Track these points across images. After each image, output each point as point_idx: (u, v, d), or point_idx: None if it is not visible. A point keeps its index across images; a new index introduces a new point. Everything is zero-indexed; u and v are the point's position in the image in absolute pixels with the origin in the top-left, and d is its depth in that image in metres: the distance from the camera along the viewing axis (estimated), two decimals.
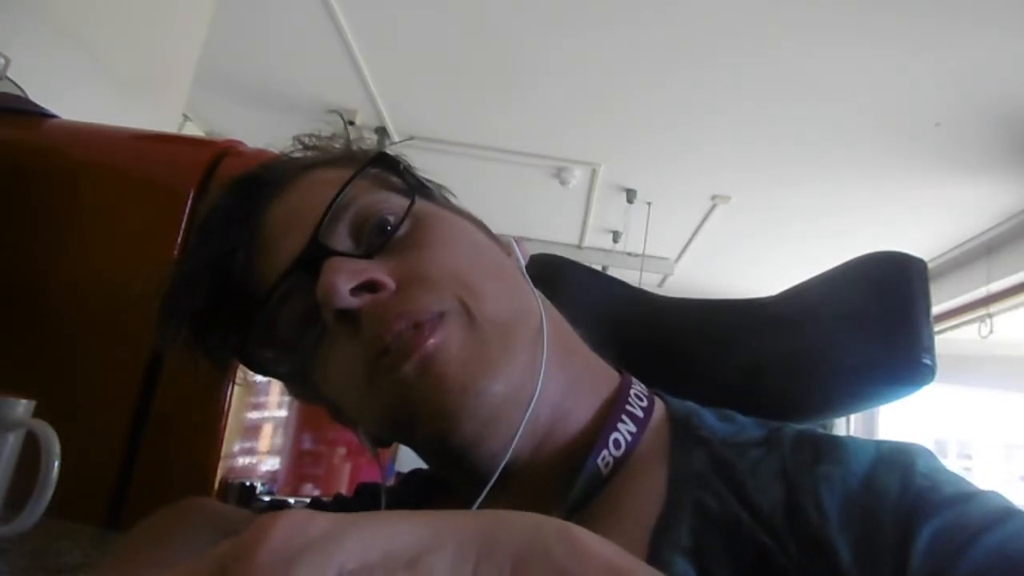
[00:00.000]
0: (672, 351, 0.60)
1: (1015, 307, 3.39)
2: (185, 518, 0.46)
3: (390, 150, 0.50)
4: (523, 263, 0.50)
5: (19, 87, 1.11)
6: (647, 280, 4.25)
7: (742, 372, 0.56)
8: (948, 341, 3.65)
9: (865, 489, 0.37)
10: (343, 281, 0.39)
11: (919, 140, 2.78)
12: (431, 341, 0.39)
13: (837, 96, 2.58)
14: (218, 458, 0.79)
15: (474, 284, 0.42)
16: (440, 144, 3.35)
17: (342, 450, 1.16)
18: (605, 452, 0.42)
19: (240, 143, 0.92)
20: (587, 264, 0.68)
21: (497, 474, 0.41)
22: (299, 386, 0.52)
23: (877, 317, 0.53)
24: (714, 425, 0.44)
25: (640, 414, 0.45)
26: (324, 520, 0.19)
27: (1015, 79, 2.34)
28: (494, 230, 0.51)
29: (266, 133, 0.61)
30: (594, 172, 3.48)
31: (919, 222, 3.45)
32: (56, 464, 0.59)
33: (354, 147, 0.52)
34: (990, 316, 3.44)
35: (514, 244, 0.50)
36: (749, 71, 2.52)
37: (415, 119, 3.30)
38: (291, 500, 0.89)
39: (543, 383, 0.42)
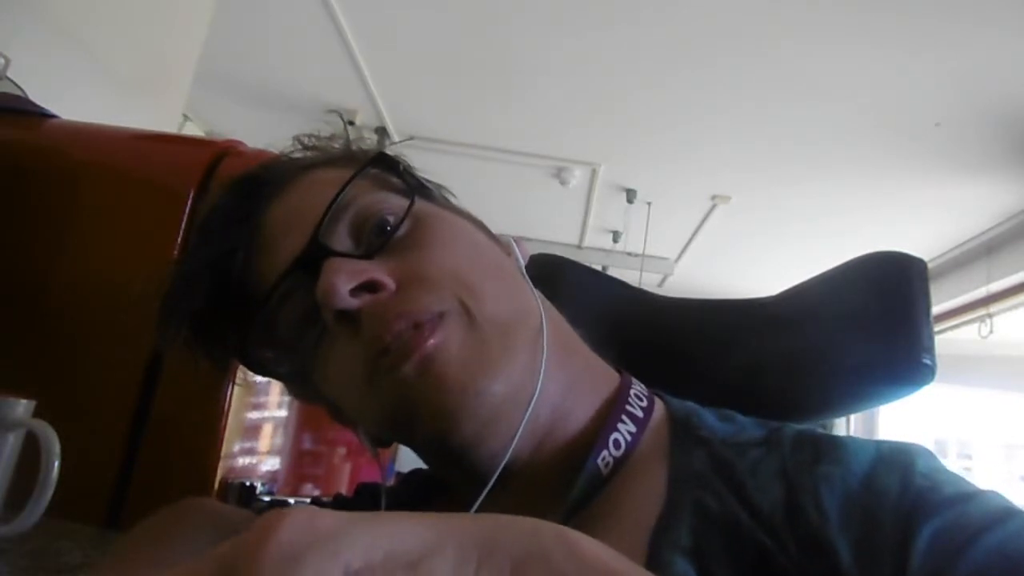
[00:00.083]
0: (672, 351, 0.60)
1: (1015, 307, 3.39)
2: (185, 518, 0.46)
3: (390, 150, 0.50)
4: (523, 263, 0.49)
5: (19, 87, 1.11)
6: (647, 280, 4.25)
7: (742, 372, 0.56)
8: (948, 341, 3.65)
9: (865, 489, 0.37)
10: (343, 281, 0.39)
11: (919, 140, 2.78)
12: (431, 341, 0.39)
13: (837, 96, 2.58)
14: (218, 458, 0.79)
15: (474, 284, 0.42)
16: (440, 144, 3.35)
17: (342, 450, 1.16)
18: (605, 452, 0.42)
19: (240, 143, 0.92)
20: (587, 264, 0.68)
21: (497, 474, 0.41)
22: (299, 386, 0.52)
23: (877, 317, 0.53)
24: (714, 425, 0.44)
25: (640, 414, 0.45)
26: (329, 518, 0.19)
27: (1015, 79, 2.34)
28: (494, 230, 0.51)
29: (266, 133, 0.60)
30: (594, 172, 3.48)
31: (919, 222, 3.45)
32: (56, 464, 0.59)
33: (354, 147, 0.52)
34: (990, 316, 3.44)
35: (514, 244, 0.50)
36: (749, 71, 2.52)
37: (415, 119, 3.30)
38: (291, 500, 0.89)
39: (543, 383, 0.42)
